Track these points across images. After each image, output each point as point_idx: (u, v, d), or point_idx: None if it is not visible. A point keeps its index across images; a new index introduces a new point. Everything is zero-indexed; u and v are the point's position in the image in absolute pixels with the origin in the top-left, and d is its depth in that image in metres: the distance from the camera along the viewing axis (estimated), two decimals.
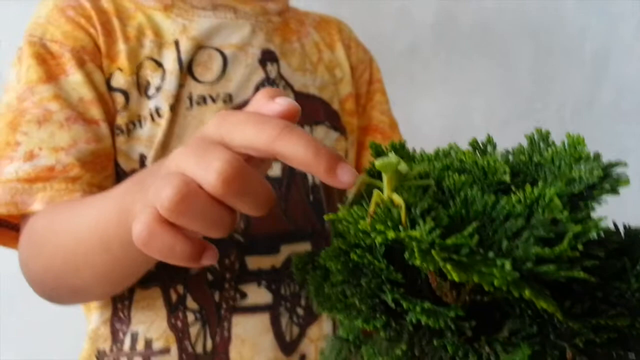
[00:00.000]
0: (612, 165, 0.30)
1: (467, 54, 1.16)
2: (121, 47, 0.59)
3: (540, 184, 0.29)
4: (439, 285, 0.28)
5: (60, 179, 0.53)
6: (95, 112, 0.56)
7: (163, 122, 0.58)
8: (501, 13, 1.17)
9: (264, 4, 0.67)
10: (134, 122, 0.58)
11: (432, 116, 1.17)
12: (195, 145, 0.33)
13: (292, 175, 0.62)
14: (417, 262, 0.24)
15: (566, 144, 0.31)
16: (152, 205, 0.32)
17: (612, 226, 0.33)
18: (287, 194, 0.62)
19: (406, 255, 0.25)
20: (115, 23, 0.59)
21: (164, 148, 0.58)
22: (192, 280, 0.58)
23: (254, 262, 0.60)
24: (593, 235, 0.26)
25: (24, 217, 0.54)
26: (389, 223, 0.25)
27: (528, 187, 0.29)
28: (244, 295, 0.59)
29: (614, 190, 0.29)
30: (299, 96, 0.66)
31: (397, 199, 0.27)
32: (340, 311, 0.29)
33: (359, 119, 0.75)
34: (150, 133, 0.58)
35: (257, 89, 0.62)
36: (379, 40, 1.01)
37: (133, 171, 0.58)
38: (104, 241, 0.44)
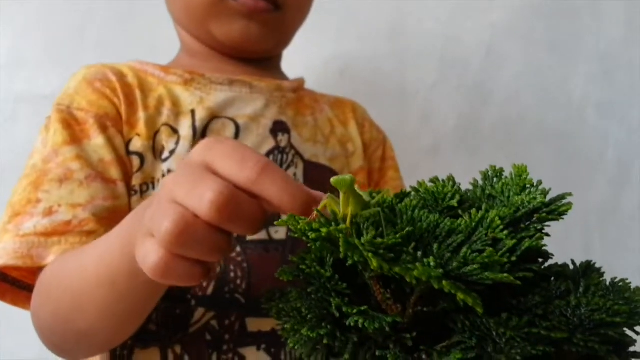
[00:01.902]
0: (559, 197, 0.32)
1: (488, 156, 1.19)
2: (141, 115, 0.63)
3: (484, 207, 0.30)
4: (384, 298, 0.29)
5: (76, 233, 0.55)
6: (114, 172, 0.59)
7: None
8: (523, 119, 1.20)
9: (280, 82, 0.71)
10: (147, 183, 0.61)
11: None
12: (185, 173, 0.36)
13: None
14: (342, 254, 0.25)
15: (513, 175, 0.33)
16: (153, 235, 0.35)
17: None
18: (291, 255, 0.61)
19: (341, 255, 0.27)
20: (138, 95, 0.64)
21: None
22: (191, 340, 0.57)
23: (255, 324, 0.59)
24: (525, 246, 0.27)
25: (39, 271, 0.55)
26: (323, 221, 0.27)
27: (474, 211, 0.30)
28: (242, 358, 0.58)
29: (555, 215, 0.30)
30: (309, 165, 0.68)
31: (347, 209, 0.29)
32: (291, 321, 0.30)
33: None
34: None
35: (267, 156, 0.64)
36: (403, 140, 1.05)
37: None
38: (109, 274, 0.46)
